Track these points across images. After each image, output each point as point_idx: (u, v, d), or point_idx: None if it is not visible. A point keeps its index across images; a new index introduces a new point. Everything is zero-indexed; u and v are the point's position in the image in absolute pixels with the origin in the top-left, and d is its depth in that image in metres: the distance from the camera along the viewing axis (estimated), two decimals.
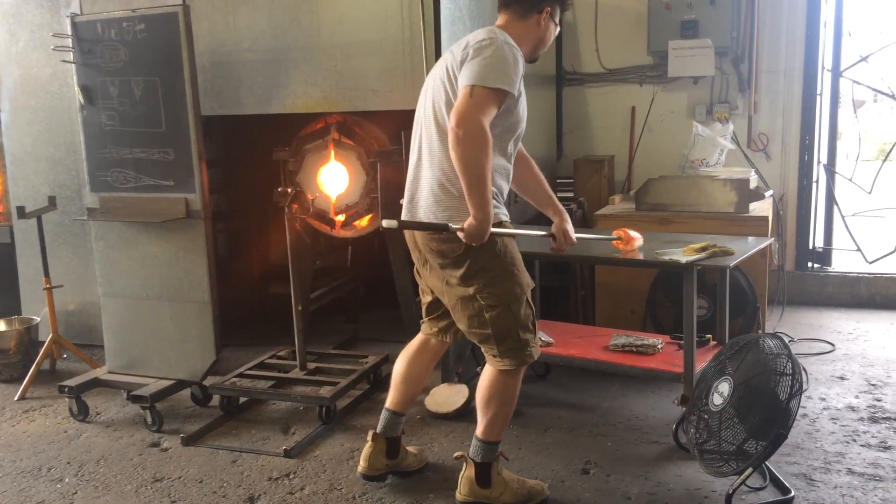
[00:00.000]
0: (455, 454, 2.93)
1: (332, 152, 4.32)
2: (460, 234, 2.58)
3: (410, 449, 3.21)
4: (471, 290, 2.70)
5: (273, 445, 3.43)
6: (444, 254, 2.70)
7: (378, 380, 4.07)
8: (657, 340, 3.63)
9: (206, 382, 3.82)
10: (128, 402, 3.75)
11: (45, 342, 4.24)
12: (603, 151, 5.53)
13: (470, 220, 2.54)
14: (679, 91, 5.38)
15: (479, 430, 2.83)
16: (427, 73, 3.61)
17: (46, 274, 4.13)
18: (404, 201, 2.85)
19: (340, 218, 4.38)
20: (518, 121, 2.74)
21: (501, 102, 2.54)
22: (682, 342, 3.46)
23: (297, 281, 3.86)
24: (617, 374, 3.80)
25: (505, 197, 2.79)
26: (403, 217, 2.83)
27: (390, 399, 3.07)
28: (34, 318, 4.49)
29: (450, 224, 2.59)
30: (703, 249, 3.25)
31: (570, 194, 5.31)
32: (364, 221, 4.39)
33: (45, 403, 4.02)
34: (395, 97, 3.82)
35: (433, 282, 2.87)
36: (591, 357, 3.59)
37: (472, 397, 3.67)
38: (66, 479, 3.20)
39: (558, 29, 2.88)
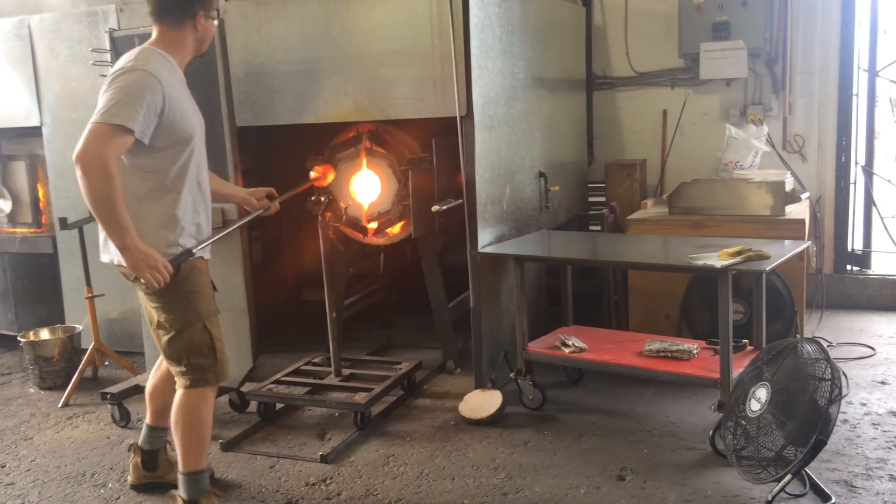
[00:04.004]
0: (171, 494, 2.99)
1: (364, 161, 4.37)
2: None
3: None
4: (154, 311, 2.78)
5: (309, 451, 3.47)
6: (126, 276, 2.75)
7: (412, 386, 4.09)
8: (692, 346, 3.60)
9: (244, 389, 3.88)
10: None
11: (87, 350, 4.34)
12: (634, 155, 5.50)
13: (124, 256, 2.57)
14: (711, 93, 5.33)
15: (179, 461, 2.86)
16: (456, 81, 3.67)
17: (88, 283, 4.22)
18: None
19: (373, 225, 4.42)
20: (183, 139, 2.72)
21: (127, 136, 2.54)
22: (717, 347, 3.43)
23: (332, 288, 3.90)
24: (652, 379, 3.77)
25: (198, 223, 2.80)
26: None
27: (147, 415, 3.14)
28: (77, 326, 4.59)
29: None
30: (739, 254, 3.22)
31: (602, 199, 5.30)
32: (396, 229, 4.43)
33: (88, 410, 4.11)
34: (426, 105, 3.85)
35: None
36: (625, 363, 3.58)
37: (505, 403, 3.69)
38: (109, 485, 3.27)
39: (216, 22, 2.91)
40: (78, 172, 2.52)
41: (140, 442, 3.18)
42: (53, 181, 4.77)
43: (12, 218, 5.08)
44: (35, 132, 4.70)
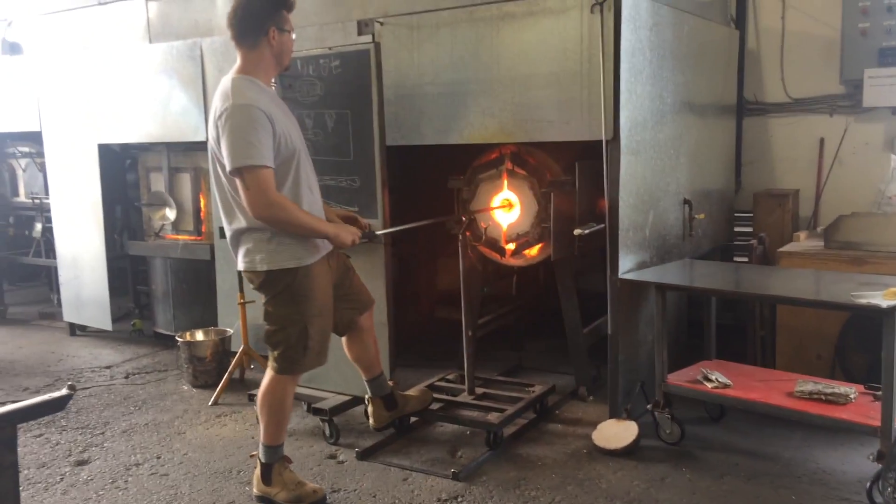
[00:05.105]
0: (251, 453, 3.44)
1: (506, 182, 4.41)
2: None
3: (411, 392, 3.80)
4: (265, 304, 3.16)
5: (441, 467, 3.51)
6: (251, 281, 3.17)
7: (544, 409, 4.06)
8: (849, 389, 3.37)
9: None
10: (308, 414, 3.97)
11: (236, 352, 4.59)
12: (786, 185, 5.24)
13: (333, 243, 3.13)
14: (875, 122, 5.00)
15: (261, 433, 3.24)
16: (604, 104, 3.64)
17: (241, 290, 4.48)
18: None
19: (511, 246, 4.44)
20: (290, 153, 3.03)
21: (267, 169, 2.88)
22: (878, 393, 3.20)
23: (469, 306, 3.95)
24: (801, 422, 3.54)
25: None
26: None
27: (361, 374, 3.62)
28: (228, 329, 4.87)
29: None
30: None
31: (749, 229, 5.07)
32: (534, 251, 4.42)
33: (236, 410, 4.35)
34: (571, 128, 3.83)
35: None
36: (774, 402, 3.39)
37: (641, 434, 3.59)
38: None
39: (293, 34, 3.11)
40: (266, 222, 2.95)
41: (371, 394, 3.63)
42: (214, 192, 5.09)
43: (176, 225, 5.47)
44: (200, 146, 5.03)
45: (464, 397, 3.97)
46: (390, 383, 3.73)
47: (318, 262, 3.13)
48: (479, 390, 4.03)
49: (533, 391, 4.04)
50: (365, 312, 3.51)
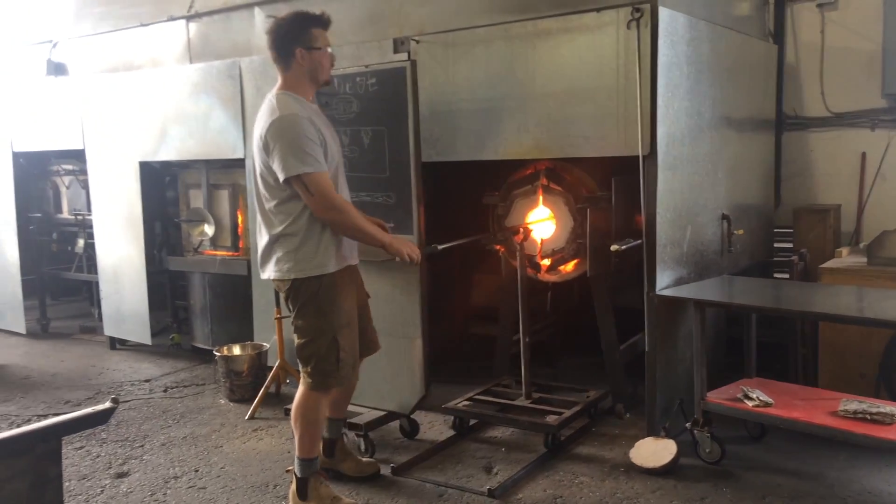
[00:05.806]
0: (286, 468, 3.45)
1: (541, 198, 4.40)
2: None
3: (364, 459, 3.67)
4: (294, 317, 3.18)
5: (476, 483, 3.49)
6: (278, 289, 3.24)
7: (598, 414, 4.17)
8: (895, 409, 3.28)
9: (448, 405, 4.06)
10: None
11: (273, 367, 4.63)
12: (827, 200, 5.15)
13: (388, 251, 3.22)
14: None
15: (295, 447, 3.25)
16: (641, 120, 3.62)
17: (277, 305, 4.52)
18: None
19: (546, 262, 4.43)
20: (331, 162, 3.13)
21: (324, 172, 3.00)
22: None
23: (525, 314, 4.01)
24: (846, 442, 3.46)
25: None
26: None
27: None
28: (264, 344, 4.92)
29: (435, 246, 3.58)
30: None
31: (789, 245, 5.00)
32: (569, 266, 4.41)
33: (272, 424, 4.37)
34: (608, 144, 3.81)
35: None
36: (817, 422, 3.32)
37: (680, 453, 3.54)
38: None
39: (328, 48, 3.19)
40: (329, 224, 3.07)
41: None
42: (252, 209, 5.17)
43: (214, 241, 5.55)
44: (238, 164, 5.13)
45: (521, 401, 4.04)
46: (345, 438, 3.68)
47: (341, 272, 3.20)
48: (536, 395, 4.10)
49: (588, 396, 4.11)
50: (367, 356, 3.51)
